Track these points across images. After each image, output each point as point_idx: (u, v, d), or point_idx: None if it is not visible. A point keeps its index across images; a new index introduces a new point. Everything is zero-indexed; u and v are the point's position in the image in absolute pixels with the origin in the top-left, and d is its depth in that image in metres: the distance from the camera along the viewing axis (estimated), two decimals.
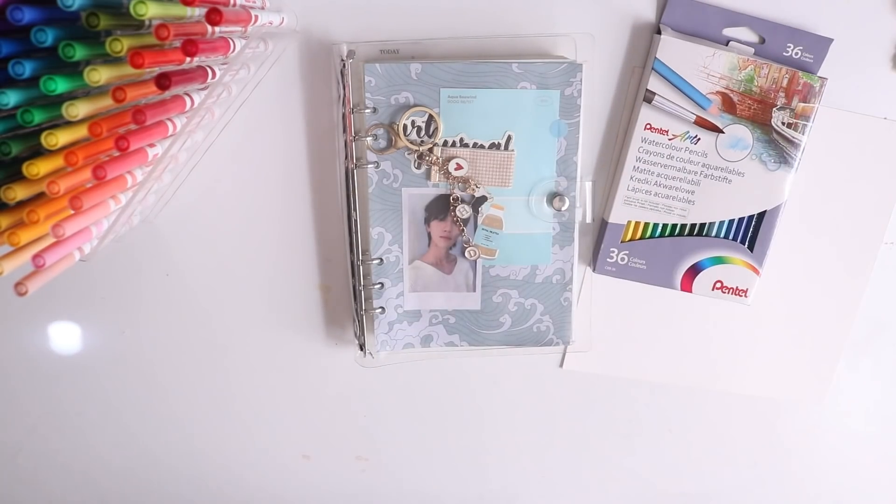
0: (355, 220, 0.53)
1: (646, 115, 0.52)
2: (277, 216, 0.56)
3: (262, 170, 0.55)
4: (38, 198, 0.40)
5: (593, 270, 0.56)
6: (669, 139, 0.53)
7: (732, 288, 0.55)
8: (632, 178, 0.54)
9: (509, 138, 0.52)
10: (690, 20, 0.52)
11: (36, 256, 0.39)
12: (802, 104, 0.52)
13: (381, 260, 0.54)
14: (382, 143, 0.52)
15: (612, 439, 0.61)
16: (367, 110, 0.51)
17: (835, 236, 0.57)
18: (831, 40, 0.52)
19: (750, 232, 0.54)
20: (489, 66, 0.51)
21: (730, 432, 0.61)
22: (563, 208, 0.53)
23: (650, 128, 0.53)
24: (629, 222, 0.55)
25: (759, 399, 0.60)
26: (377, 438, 0.61)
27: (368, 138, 0.52)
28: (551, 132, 0.52)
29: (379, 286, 0.54)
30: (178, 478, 0.62)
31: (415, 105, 0.51)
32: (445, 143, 0.52)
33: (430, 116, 0.51)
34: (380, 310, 0.55)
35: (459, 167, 0.52)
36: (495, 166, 0.53)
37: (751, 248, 0.54)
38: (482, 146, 0.52)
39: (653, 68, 0.51)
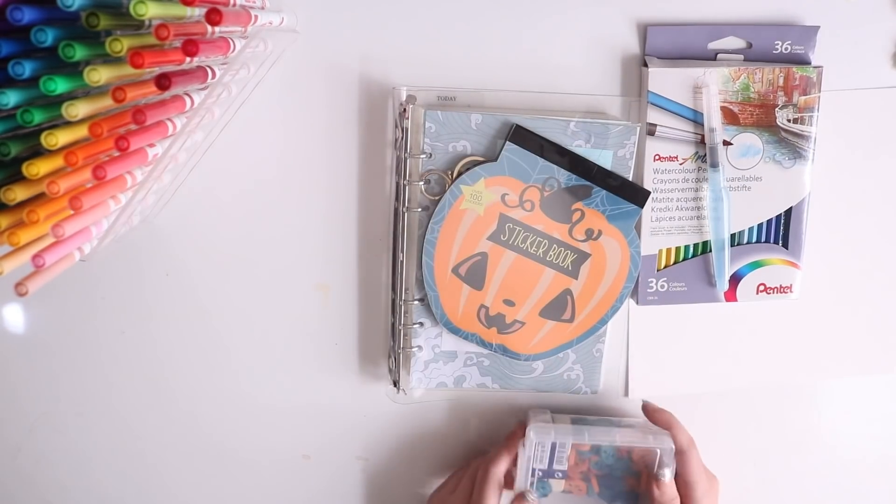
0: (401, 262, 0.53)
1: (652, 147, 0.52)
2: (277, 216, 0.56)
3: (262, 170, 0.55)
4: (38, 198, 0.40)
5: (636, 303, 0.56)
6: (680, 164, 0.53)
7: (776, 287, 0.55)
8: (653, 208, 0.53)
9: None
10: (674, 44, 0.52)
11: (36, 256, 0.39)
12: (804, 97, 0.51)
13: (424, 300, 0.54)
14: (435, 188, 0.52)
15: None
16: (423, 156, 0.51)
17: (867, 212, 0.56)
18: (818, 28, 0.51)
19: (781, 230, 0.54)
20: (547, 122, 0.51)
21: (744, 430, 0.62)
22: None
23: (659, 158, 0.52)
24: (660, 251, 0.54)
25: (762, 398, 0.60)
26: (377, 438, 0.61)
27: (421, 183, 0.52)
28: None
29: (419, 325, 0.54)
30: (178, 478, 0.62)
31: (471, 154, 0.51)
32: None
33: None
34: (417, 348, 0.55)
35: None
36: None
37: (785, 245, 0.54)
38: None
39: (648, 101, 0.51)
